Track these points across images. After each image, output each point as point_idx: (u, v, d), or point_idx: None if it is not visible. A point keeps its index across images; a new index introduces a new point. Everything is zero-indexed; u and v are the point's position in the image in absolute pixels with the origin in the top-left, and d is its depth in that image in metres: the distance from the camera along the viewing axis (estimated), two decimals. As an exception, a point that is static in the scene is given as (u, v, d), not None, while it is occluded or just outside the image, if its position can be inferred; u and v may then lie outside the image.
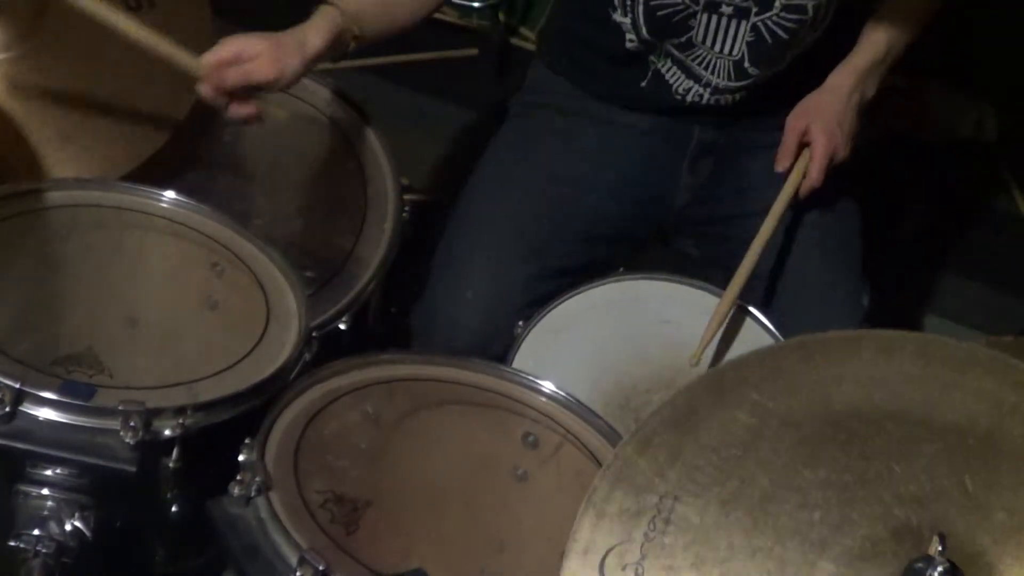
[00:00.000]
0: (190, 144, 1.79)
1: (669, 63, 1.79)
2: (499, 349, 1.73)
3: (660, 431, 1.20)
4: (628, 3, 1.74)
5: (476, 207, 1.86)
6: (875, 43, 1.80)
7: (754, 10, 1.72)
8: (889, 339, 1.28)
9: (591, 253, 1.86)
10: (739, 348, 1.76)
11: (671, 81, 1.81)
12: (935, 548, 1.08)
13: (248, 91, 1.59)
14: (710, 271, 1.89)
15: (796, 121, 1.78)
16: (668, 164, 1.87)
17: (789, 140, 1.77)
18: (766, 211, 1.77)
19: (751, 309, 1.78)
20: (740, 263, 1.71)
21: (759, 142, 1.85)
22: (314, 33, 1.61)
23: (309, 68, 1.62)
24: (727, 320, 1.69)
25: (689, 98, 1.81)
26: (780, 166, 1.78)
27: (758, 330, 1.78)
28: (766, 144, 1.84)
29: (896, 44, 1.80)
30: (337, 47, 1.65)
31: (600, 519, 1.14)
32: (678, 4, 1.72)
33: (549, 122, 1.90)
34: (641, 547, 1.12)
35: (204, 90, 1.58)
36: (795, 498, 1.15)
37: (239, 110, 1.60)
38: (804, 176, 1.77)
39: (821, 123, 1.76)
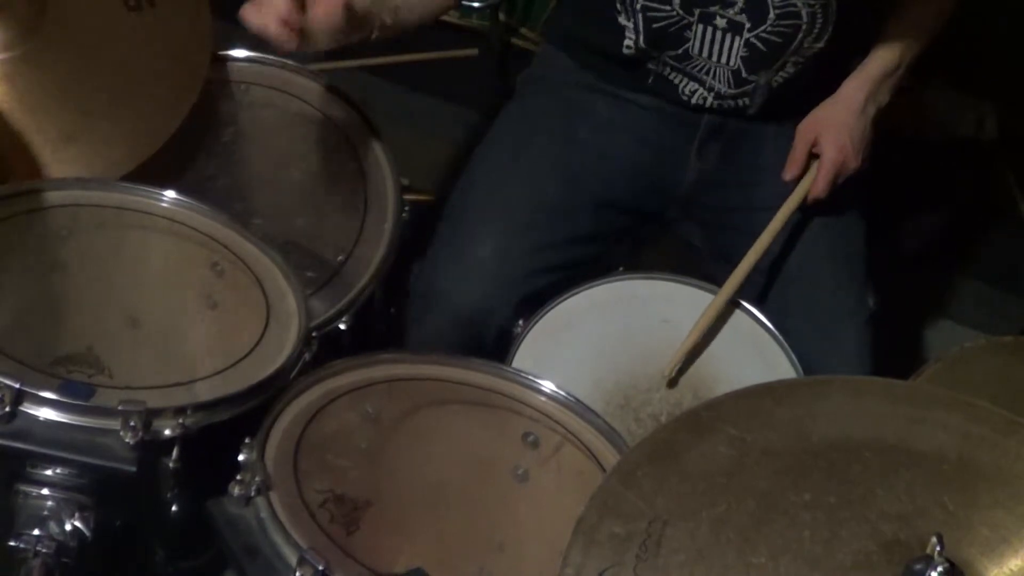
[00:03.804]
0: (190, 144, 1.79)
1: (669, 69, 1.79)
2: (500, 320, 1.73)
3: (643, 464, 1.22)
4: (628, 10, 1.74)
5: (487, 172, 1.85)
6: (887, 53, 1.79)
7: (747, 25, 1.71)
8: (855, 383, 1.38)
9: (601, 222, 1.85)
10: (738, 346, 1.76)
11: (676, 82, 1.80)
12: (933, 548, 1.09)
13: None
14: (714, 263, 1.90)
15: (806, 131, 1.77)
16: (676, 145, 1.86)
17: (799, 149, 1.77)
18: (773, 208, 1.77)
19: (747, 305, 1.78)
20: (738, 264, 1.71)
21: (768, 132, 1.85)
22: None
23: (346, 25, 1.53)
24: (701, 336, 1.71)
25: (695, 100, 1.81)
26: (789, 175, 1.78)
27: (756, 327, 1.78)
28: (777, 133, 1.84)
29: (908, 53, 1.80)
30: (369, 20, 1.60)
31: (590, 545, 1.15)
32: (672, 15, 1.72)
33: (558, 94, 1.89)
34: (634, 568, 1.13)
35: None
36: (783, 519, 1.17)
37: (288, 13, 1.47)
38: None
39: (831, 135, 1.75)
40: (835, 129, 1.75)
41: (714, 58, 1.75)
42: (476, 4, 2.69)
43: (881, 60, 1.79)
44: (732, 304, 1.78)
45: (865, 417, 1.27)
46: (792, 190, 1.80)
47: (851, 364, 1.77)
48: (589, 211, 1.84)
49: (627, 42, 1.77)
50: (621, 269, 1.84)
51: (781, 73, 1.78)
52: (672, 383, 1.70)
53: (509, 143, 1.88)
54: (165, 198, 1.63)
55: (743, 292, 1.80)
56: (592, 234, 1.85)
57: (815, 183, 1.75)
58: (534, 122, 1.88)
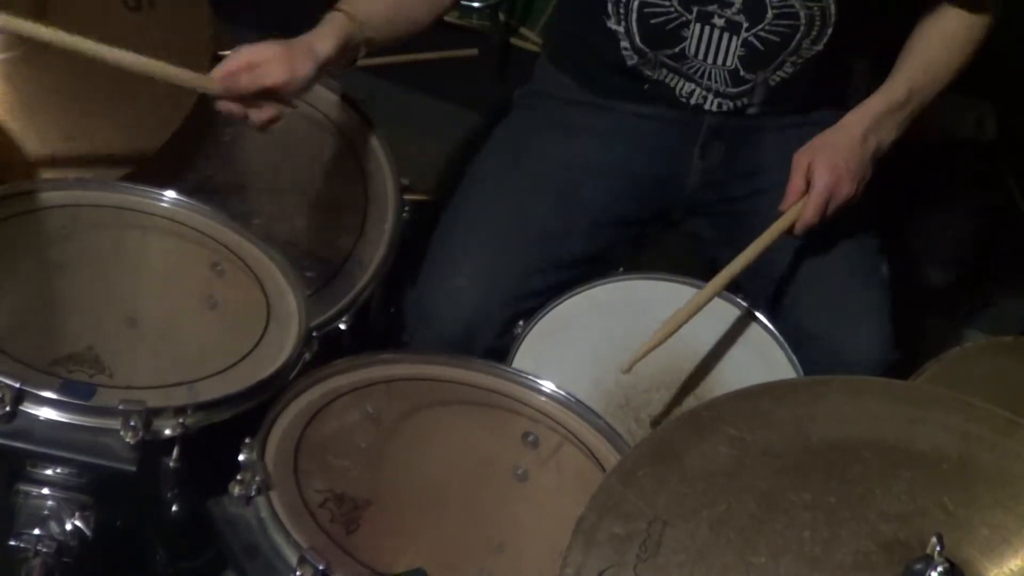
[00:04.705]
0: (190, 144, 1.79)
1: (665, 71, 1.79)
2: (488, 339, 1.73)
3: (643, 464, 1.23)
4: (622, 12, 1.74)
5: (478, 194, 1.85)
6: (895, 88, 1.76)
7: (745, 25, 1.71)
8: (854, 383, 1.38)
9: (597, 243, 1.85)
10: (738, 346, 1.76)
11: (673, 85, 1.80)
12: (933, 548, 1.09)
13: (262, 96, 1.58)
14: (722, 251, 1.89)
15: (801, 157, 1.72)
16: (678, 148, 1.86)
17: (795, 177, 1.70)
18: (777, 189, 1.76)
19: (747, 306, 1.78)
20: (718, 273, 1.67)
21: (770, 124, 1.85)
22: (323, 38, 1.61)
23: (321, 72, 1.62)
24: (666, 340, 1.57)
25: (693, 100, 1.80)
26: (785, 205, 1.70)
27: (756, 328, 1.78)
28: (778, 127, 1.84)
29: (919, 92, 1.75)
30: (347, 53, 1.64)
31: (590, 545, 1.15)
32: (671, 12, 1.72)
33: (555, 113, 1.89)
34: (634, 568, 1.13)
35: (222, 105, 1.58)
36: (783, 519, 1.17)
37: (259, 115, 1.60)
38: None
39: (824, 157, 1.70)
40: (829, 152, 1.71)
41: (710, 60, 1.75)
42: (476, 4, 2.69)
43: (886, 94, 1.75)
44: (732, 305, 1.78)
45: (865, 417, 1.27)
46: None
47: (872, 332, 1.77)
48: (582, 234, 1.83)
49: (624, 44, 1.77)
50: (621, 269, 1.84)
51: (779, 72, 1.78)
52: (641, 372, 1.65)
53: (501, 166, 1.87)
54: (165, 198, 1.63)
55: (743, 292, 1.80)
56: (582, 257, 1.84)
57: (805, 208, 1.68)
58: (528, 144, 1.87)
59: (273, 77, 1.57)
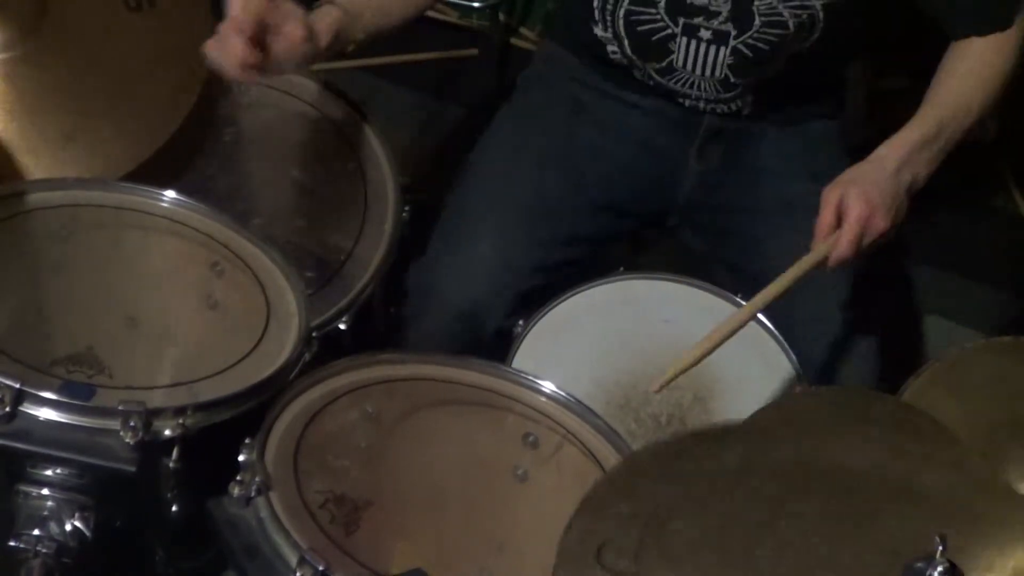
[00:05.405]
0: (190, 144, 1.79)
1: (653, 83, 1.79)
2: (496, 317, 1.74)
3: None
4: (608, 18, 1.74)
5: (488, 168, 1.85)
6: (924, 121, 1.68)
7: (732, 33, 1.70)
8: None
9: (602, 224, 1.86)
10: (738, 346, 1.76)
11: (669, 87, 1.80)
12: (936, 548, 1.09)
13: (266, 34, 1.49)
14: (714, 267, 1.89)
15: (831, 191, 1.60)
16: (676, 148, 1.86)
17: (825, 212, 1.59)
18: (774, 211, 1.76)
19: (758, 315, 1.78)
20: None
21: (768, 133, 1.84)
22: (321, 28, 1.59)
23: (314, 60, 1.58)
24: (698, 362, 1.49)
25: (687, 104, 1.80)
26: (815, 242, 1.59)
27: (756, 328, 1.78)
28: (776, 136, 1.83)
29: (949, 125, 1.68)
30: (337, 46, 1.64)
31: (595, 518, 1.16)
32: (657, 21, 1.71)
33: (563, 93, 1.89)
34: (635, 554, 1.13)
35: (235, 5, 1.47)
36: (794, 525, 1.17)
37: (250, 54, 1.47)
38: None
39: (857, 188, 1.59)
40: (861, 184, 1.60)
41: (698, 71, 1.74)
42: (476, 4, 2.69)
43: (918, 127, 1.68)
44: (732, 306, 1.78)
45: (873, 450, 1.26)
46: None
47: (860, 365, 1.77)
48: (589, 213, 1.84)
49: (612, 48, 1.77)
50: (621, 269, 1.84)
51: (767, 69, 1.77)
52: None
53: (511, 140, 1.87)
54: (165, 198, 1.62)
55: (744, 292, 1.80)
56: (591, 236, 1.85)
57: (838, 240, 1.57)
58: (536, 120, 1.88)
59: (290, 30, 1.49)
